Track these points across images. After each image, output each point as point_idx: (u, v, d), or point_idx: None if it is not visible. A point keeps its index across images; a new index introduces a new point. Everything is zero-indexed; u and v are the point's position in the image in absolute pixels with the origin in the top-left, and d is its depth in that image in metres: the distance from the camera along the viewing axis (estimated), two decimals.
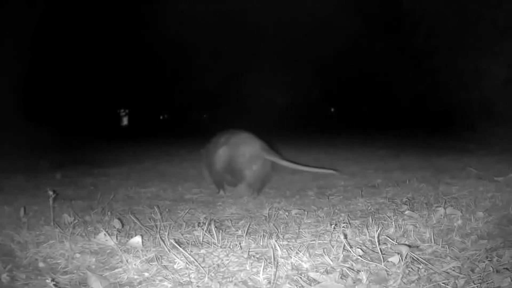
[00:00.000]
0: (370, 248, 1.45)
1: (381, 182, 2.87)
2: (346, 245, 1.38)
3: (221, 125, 4.01)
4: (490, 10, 7.15)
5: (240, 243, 1.54)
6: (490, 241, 1.47)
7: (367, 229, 1.64)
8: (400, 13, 9.35)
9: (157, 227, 1.77)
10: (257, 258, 1.38)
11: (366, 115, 14.92)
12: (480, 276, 1.17)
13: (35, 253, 1.48)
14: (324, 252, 1.40)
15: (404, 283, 1.16)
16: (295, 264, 1.32)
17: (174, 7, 11.73)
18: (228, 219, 1.98)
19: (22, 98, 7.57)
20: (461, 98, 8.15)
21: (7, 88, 7.06)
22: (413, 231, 1.62)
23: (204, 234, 1.62)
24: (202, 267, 1.29)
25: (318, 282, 1.17)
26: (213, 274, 1.25)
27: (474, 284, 1.13)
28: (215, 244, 1.52)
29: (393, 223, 1.71)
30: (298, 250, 1.43)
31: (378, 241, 1.43)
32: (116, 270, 1.32)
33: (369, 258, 1.33)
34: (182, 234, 1.69)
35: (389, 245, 1.48)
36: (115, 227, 1.75)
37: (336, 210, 2.09)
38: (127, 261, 1.35)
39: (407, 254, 1.29)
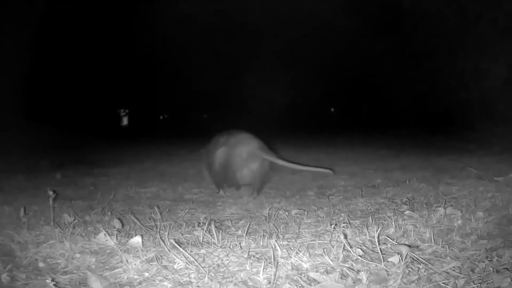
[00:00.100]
0: (370, 248, 1.45)
1: (381, 182, 2.87)
2: (346, 245, 1.38)
3: (221, 125, 4.01)
4: (490, 10, 7.15)
5: (240, 243, 1.54)
6: (490, 241, 1.47)
7: (367, 229, 1.64)
8: (400, 13, 9.35)
9: (157, 227, 1.77)
10: (257, 258, 1.38)
11: (366, 115, 14.93)
12: (480, 276, 1.17)
13: (35, 253, 1.48)
14: (324, 252, 1.40)
15: (404, 283, 1.16)
16: (295, 264, 1.32)
17: (174, 7, 11.73)
18: (228, 219, 1.98)
19: (22, 98, 7.57)
20: (461, 98, 8.15)
21: (7, 88, 7.05)
22: (413, 231, 1.62)
23: (204, 234, 1.62)
24: (202, 267, 1.29)
25: (318, 282, 1.17)
26: (213, 274, 1.25)
27: (474, 284, 1.13)
28: (215, 244, 1.52)
29: (393, 223, 1.71)
30: (298, 250, 1.43)
31: (378, 241, 1.43)
32: (116, 270, 1.32)
33: (369, 258, 1.33)
34: (182, 234, 1.69)
35: (389, 245, 1.48)
36: (115, 227, 1.75)
37: (336, 210, 2.09)
38: (127, 261, 1.35)
39: (407, 254, 1.29)
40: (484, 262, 1.27)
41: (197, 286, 1.19)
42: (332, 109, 19.37)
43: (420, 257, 1.32)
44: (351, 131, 10.14)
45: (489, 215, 1.77)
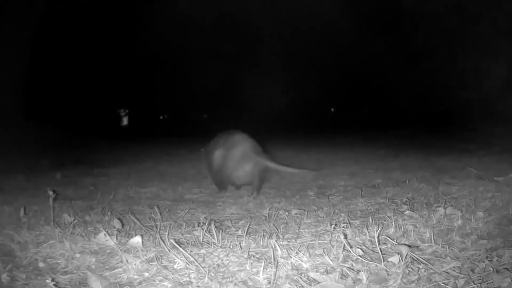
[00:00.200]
0: (370, 248, 1.45)
1: (381, 182, 2.87)
2: (346, 245, 1.38)
3: (221, 125, 4.02)
4: (490, 10, 7.16)
5: (240, 243, 1.54)
6: (490, 241, 1.47)
7: (367, 229, 1.64)
8: (400, 13, 9.36)
9: (157, 227, 1.77)
10: (257, 258, 1.38)
11: (366, 115, 14.93)
12: (480, 276, 1.17)
13: (35, 253, 1.48)
14: (324, 252, 1.40)
15: (404, 283, 1.16)
16: (295, 264, 1.32)
17: (174, 7, 11.73)
18: (228, 219, 1.98)
19: (22, 98, 7.57)
20: (461, 98, 8.16)
21: (7, 88, 7.05)
22: (413, 231, 1.62)
23: (204, 234, 1.62)
24: (202, 267, 1.29)
25: (318, 282, 1.17)
26: (213, 274, 1.25)
27: (474, 284, 1.13)
28: (215, 244, 1.52)
29: (393, 223, 1.71)
30: (298, 250, 1.43)
31: (378, 241, 1.43)
32: (116, 270, 1.32)
33: (369, 258, 1.33)
34: (182, 234, 1.69)
35: (389, 245, 1.48)
36: (115, 227, 1.75)
37: (336, 210, 2.09)
38: (127, 261, 1.35)
39: (407, 254, 1.29)
40: (484, 262, 1.27)
41: (197, 286, 1.19)
42: (332, 109, 19.37)
43: (420, 257, 1.31)
44: (351, 131, 10.14)
45: (489, 215, 1.77)
